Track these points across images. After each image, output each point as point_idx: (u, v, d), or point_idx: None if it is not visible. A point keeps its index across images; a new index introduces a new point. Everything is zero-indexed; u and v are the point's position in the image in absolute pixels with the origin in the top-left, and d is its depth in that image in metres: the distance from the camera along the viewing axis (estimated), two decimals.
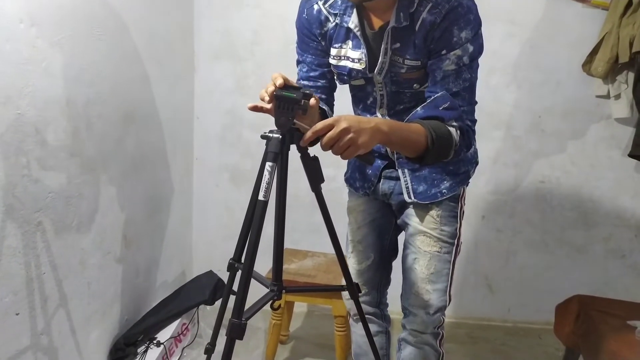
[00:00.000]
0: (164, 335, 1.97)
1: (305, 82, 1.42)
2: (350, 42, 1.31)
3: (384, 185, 1.47)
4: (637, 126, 2.31)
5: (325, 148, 1.09)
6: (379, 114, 1.39)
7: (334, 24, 1.31)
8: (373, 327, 1.61)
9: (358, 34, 1.28)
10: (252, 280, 1.24)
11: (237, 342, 1.17)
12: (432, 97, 1.23)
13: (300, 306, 2.65)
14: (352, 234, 1.58)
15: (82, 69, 1.59)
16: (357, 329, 1.61)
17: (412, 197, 1.41)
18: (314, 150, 1.29)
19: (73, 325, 1.64)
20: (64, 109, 1.52)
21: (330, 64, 1.37)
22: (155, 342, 1.93)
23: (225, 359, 1.18)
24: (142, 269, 2.11)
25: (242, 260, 1.31)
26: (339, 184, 2.56)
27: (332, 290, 1.93)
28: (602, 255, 2.58)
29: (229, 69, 2.52)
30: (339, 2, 1.29)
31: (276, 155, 1.20)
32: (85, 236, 1.67)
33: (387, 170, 1.46)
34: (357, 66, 1.32)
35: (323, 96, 1.42)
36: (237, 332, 1.15)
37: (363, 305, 1.57)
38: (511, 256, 2.60)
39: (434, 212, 1.41)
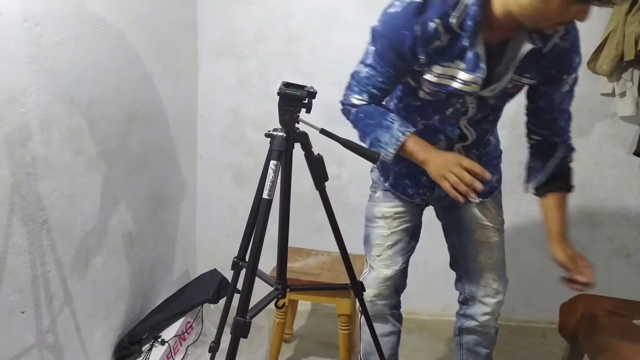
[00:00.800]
0: (168, 333, 1.98)
1: (375, 92, 1.32)
2: (461, 63, 1.22)
3: (441, 190, 1.36)
4: None
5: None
6: (462, 126, 1.38)
7: (446, 42, 1.20)
8: (387, 328, 1.64)
9: (482, 54, 1.19)
10: (257, 278, 1.24)
11: (241, 340, 1.17)
12: (557, 157, 1.39)
13: (304, 305, 2.65)
14: (381, 238, 1.56)
15: (85, 68, 1.59)
16: (369, 328, 1.61)
17: (477, 197, 1.39)
18: (318, 149, 1.30)
19: (78, 323, 1.64)
20: (68, 107, 1.52)
21: (425, 80, 1.28)
22: (159, 340, 1.93)
23: (229, 357, 1.19)
24: (146, 267, 2.12)
25: (247, 259, 1.31)
26: (343, 182, 2.57)
27: (336, 289, 1.93)
28: (606, 254, 2.57)
29: (232, 67, 2.52)
30: (469, 23, 1.15)
31: (280, 153, 1.20)
32: (90, 234, 1.67)
33: None
34: (466, 88, 1.24)
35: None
36: (241, 330, 1.16)
37: (383, 307, 1.61)
38: (515, 255, 2.59)
39: (489, 204, 1.51)
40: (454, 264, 1.63)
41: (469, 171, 1.20)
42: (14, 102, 1.30)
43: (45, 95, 1.41)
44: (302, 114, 1.22)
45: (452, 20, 1.16)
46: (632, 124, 2.42)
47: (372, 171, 1.62)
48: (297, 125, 1.23)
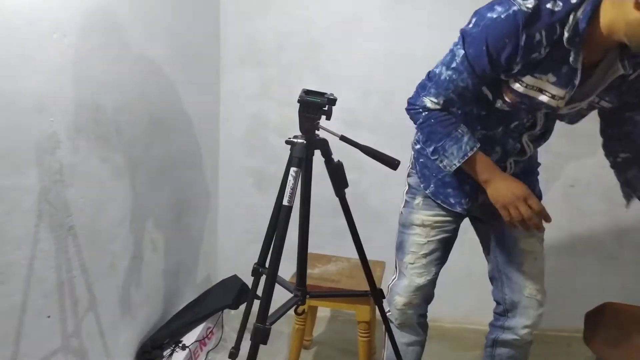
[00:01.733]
0: (189, 338, 2.00)
1: (453, 97, 1.28)
2: (552, 76, 1.20)
3: (485, 196, 1.38)
4: None
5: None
6: (524, 141, 1.39)
7: (544, 54, 1.17)
8: (412, 337, 1.62)
9: (579, 71, 1.18)
10: (276, 285, 1.24)
11: (261, 346, 1.18)
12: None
13: (324, 311, 2.64)
14: (417, 246, 1.54)
15: (111, 77, 1.63)
16: (398, 337, 1.61)
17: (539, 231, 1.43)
18: (338, 155, 1.30)
19: (102, 327, 1.67)
20: (95, 115, 1.56)
21: (511, 89, 1.25)
22: (180, 345, 1.95)
23: None
24: (169, 272, 2.14)
25: (267, 265, 1.32)
26: (363, 189, 2.57)
27: (356, 296, 1.91)
28: (635, 261, 2.50)
29: (254, 74, 2.55)
30: (576, 40, 1.13)
31: (300, 160, 1.20)
32: (114, 240, 1.70)
33: None
34: (552, 102, 1.23)
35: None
36: (261, 336, 1.16)
37: (412, 316, 1.59)
38: None
39: None
40: (494, 273, 1.57)
41: (532, 209, 1.25)
42: (44, 111, 1.34)
43: (72, 104, 1.45)
44: (322, 120, 1.22)
45: (566, 34, 1.12)
46: None
47: (409, 176, 1.59)
48: (317, 132, 1.24)
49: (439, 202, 1.50)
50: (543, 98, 1.23)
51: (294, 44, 2.49)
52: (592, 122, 2.38)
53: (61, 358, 1.47)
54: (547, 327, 2.55)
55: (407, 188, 1.59)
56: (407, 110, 1.37)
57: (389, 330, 1.52)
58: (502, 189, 1.28)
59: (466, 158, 1.29)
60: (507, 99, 1.28)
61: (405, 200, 1.58)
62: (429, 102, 1.29)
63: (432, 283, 1.57)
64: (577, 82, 1.19)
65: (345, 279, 2.06)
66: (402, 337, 1.59)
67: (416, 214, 1.53)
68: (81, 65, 1.48)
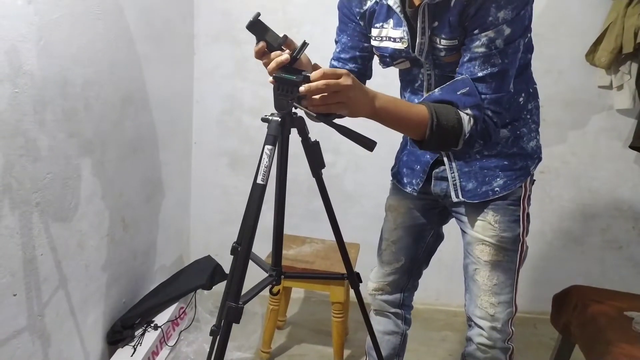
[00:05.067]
0: (161, 318, 1.98)
1: (335, 63, 1.38)
2: (391, 21, 1.23)
3: (436, 188, 1.37)
4: (639, 118, 2.30)
5: (315, 92, 1.00)
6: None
7: (373, 1, 1.25)
8: (389, 326, 1.57)
9: (398, 10, 1.20)
10: (251, 264, 1.23)
11: (235, 326, 1.16)
12: (453, 80, 1.15)
13: (297, 292, 2.65)
14: (387, 232, 1.51)
15: (80, 49, 1.57)
16: (375, 323, 1.56)
17: (460, 196, 1.31)
18: (315, 136, 1.29)
19: (71, 307, 1.63)
20: (62, 88, 1.50)
21: (373, 46, 1.31)
22: (152, 325, 1.93)
23: (222, 343, 1.18)
24: (140, 252, 2.11)
25: None
26: (339, 170, 2.57)
27: (332, 279, 1.92)
28: (600, 246, 2.59)
29: (229, 52, 2.50)
30: None
31: (275, 138, 1.18)
32: (83, 218, 1.66)
33: (437, 170, 1.36)
34: (398, 46, 1.24)
35: None
36: (233, 315, 1.15)
37: (384, 304, 1.56)
38: None
39: (491, 218, 1.30)
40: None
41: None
42: (7, 82, 1.28)
43: (38, 76, 1.39)
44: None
45: None
46: (629, 117, 2.42)
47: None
48: (294, 110, 1.22)
49: (396, 182, 1.48)
50: (389, 44, 1.26)
51: (270, 21, 2.43)
52: (561, 111, 2.44)
53: (27, 337, 1.44)
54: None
55: None
56: None
57: (365, 316, 1.51)
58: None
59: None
60: (379, 61, 1.34)
61: None
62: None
63: (402, 272, 1.51)
64: (399, 15, 1.19)
65: (319, 261, 2.06)
66: (377, 324, 1.56)
67: (388, 199, 1.53)
68: (48, 35, 1.41)
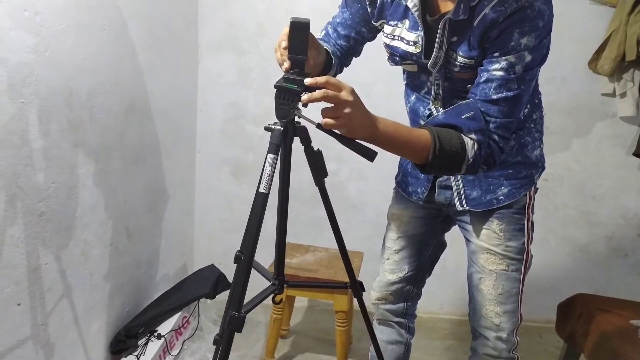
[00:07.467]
0: (164, 327, 1.97)
1: (330, 31, 1.38)
2: (407, 22, 1.20)
3: (440, 196, 1.36)
4: None
5: (316, 99, 1.00)
6: (432, 107, 1.28)
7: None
8: (392, 335, 1.56)
9: (416, 14, 1.15)
10: (254, 273, 1.23)
11: (238, 335, 1.16)
12: (457, 104, 1.13)
13: (301, 301, 2.65)
14: (390, 241, 1.50)
15: (85, 59, 1.58)
16: (378, 333, 1.55)
17: (465, 205, 1.30)
18: (317, 145, 1.29)
19: (75, 316, 1.63)
20: (68, 98, 1.51)
21: (384, 43, 1.28)
22: (156, 334, 1.93)
23: (224, 352, 1.18)
24: (143, 261, 2.11)
25: None
26: (342, 179, 2.57)
27: (335, 287, 1.92)
28: (605, 254, 2.57)
29: (232, 61, 2.51)
30: None
31: (277, 147, 1.19)
32: (87, 227, 1.66)
33: (441, 179, 1.35)
34: (411, 49, 1.21)
35: (338, 54, 1.37)
36: (235, 324, 1.15)
37: (387, 314, 1.55)
38: None
39: (495, 227, 1.30)
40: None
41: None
42: (13, 92, 1.29)
43: (44, 86, 1.40)
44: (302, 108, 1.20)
45: None
46: (632, 124, 2.42)
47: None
48: (297, 119, 1.22)
49: (400, 190, 1.47)
50: (401, 45, 1.23)
51: (273, 31, 2.46)
52: (565, 118, 2.44)
53: (31, 346, 1.44)
54: None
55: None
56: None
57: (369, 325, 1.50)
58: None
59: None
60: (388, 59, 1.31)
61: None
62: None
63: (405, 281, 1.50)
64: (417, 20, 1.15)
65: (323, 269, 2.06)
66: (381, 334, 1.55)
67: (391, 207, 1.52)
68: (54, 46, 1.42)
